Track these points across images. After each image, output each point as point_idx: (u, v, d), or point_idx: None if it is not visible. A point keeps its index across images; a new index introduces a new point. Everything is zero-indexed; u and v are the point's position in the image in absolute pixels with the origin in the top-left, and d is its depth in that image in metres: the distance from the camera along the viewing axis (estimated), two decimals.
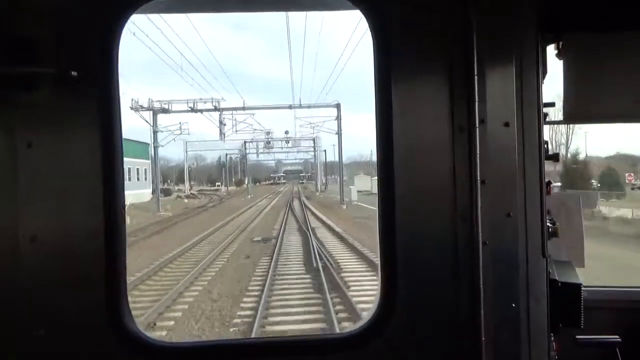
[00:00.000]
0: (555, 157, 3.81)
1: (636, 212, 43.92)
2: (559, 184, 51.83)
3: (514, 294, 3.28)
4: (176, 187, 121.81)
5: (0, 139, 3.09)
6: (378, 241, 3.33)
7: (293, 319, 18.34)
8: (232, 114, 74.97)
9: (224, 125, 75.17)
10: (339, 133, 75.94)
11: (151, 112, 69.00)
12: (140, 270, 25.35)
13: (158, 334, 16.56)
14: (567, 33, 3.70)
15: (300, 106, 73.71)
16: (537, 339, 3.33)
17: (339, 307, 19.07)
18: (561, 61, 3.81)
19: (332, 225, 42.14)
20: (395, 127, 3.23)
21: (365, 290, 20.71)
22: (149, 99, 68.91)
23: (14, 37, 3.06)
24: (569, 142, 70.16)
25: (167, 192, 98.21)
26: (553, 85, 3.79)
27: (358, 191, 79.17)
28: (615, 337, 4.46)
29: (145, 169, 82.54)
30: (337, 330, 15.80)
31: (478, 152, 3.21)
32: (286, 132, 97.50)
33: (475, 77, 3.20)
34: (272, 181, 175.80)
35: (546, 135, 3.60)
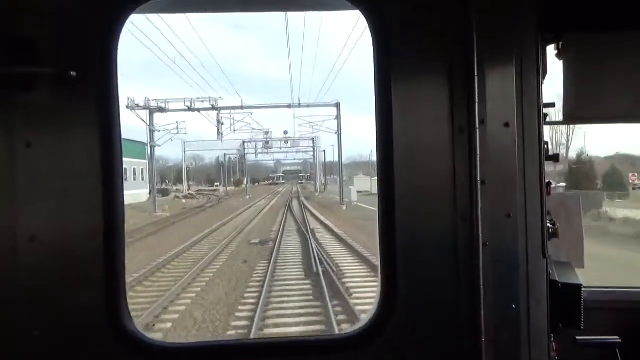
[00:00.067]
0: (555, 158, 3.78)
1: None
2: (564, 184, 51.26)
3: (514, 294, 3.28)
4: (175, 188, 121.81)
5: None
6: (378, 241, 3.32)
7: (291, 330, 17.34)
8: (230, 113, 74.40)
9: (222, 124, 74.46)
10: (338, 132, 75.05)
11: (147, 111, 68.19)
12: (131, 275, 24.08)
13: None
14: (567, 33, 3.68)
15: (300, 105, 72.74)
16: (537, 339, 3.33)
17: (341, 317, 18.07)
18: (561, 61, 3.78)
19: (332, 227, 41.34)
20: (395, 127, 3.23)
21: (369, 298, 19.47)
22: (146, 98, 68.22)
23: (14, 37, 3.06)
24: (570, 142, 70.25)
25: (164, 193, 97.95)
26: (553, 85, 3.78)
27: (357, 192, 78.92)
28: (615, 338, 4.48)
29: (142, 169, 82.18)
30: None
31: (478, 152, 3.20)
32: (285, 132, 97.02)
33: (476, 77, 3.20)
34: (271, 181, 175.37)
35: (546, 136, 3.58)
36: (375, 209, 3.36)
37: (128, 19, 3.23)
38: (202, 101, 68.50)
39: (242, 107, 73.70)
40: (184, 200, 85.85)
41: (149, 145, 71.79)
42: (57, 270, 3.11)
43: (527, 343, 3.29)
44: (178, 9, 5.08)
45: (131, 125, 70.96)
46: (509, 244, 3.26)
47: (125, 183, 3.39)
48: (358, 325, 3.44)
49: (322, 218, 49.07)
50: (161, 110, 68.82)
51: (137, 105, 66.50)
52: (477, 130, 3.19)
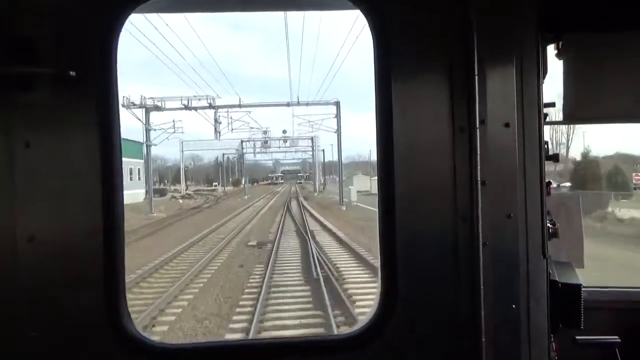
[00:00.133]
0: (555, 158, 3.79)
1: None
2: (568, 184, 50.43)
3: (514, 294, 3.29)
4: (172, 187, 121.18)
5: None
6: (378, 241, 3.33)
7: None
8: (227, 111, 73.33)
9: (219, 123, 73.30)
10: (338, 131, 74.03)
11: (143, 109, 67.03)
12: None
13: None
14: (567, 33, 3.69)
15: (299, 104, 71.74)
16: (537, 339, 3.34)
17: (344, 330, 16.57)
18: (561, 61, 3.79)
19: (332, 228, 40.41)
20: (395, 127, 3.24)
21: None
22: (142, 96, 66.99)
23: (14, 37, 3.06)
24: (570, 141, 70.17)
25: (161, 193, 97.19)
26: (553, 85, 3.78)
27: (357, 191, 77.99)
28: (615, 338, 4.50)
29: (139, 169, 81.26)
30: None
31: (478, 152, 3.22)
32: (284, 132, 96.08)
33: (476, 77, 3.21)
34: (269, 181, 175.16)
35: (546, 136, 3.58)
36: (376, 209, 3.36)
37: (127, 19, 3.23)
38: (200, 99, 67.63)
39: (239, 106, 72.70)
40: (180, 201, 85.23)
41: (145, 144, 70.70)
42: (57, 270, 3.12)
43: (527, 343, 3.32)
44: (177, 9, 5.00)
45: (127, 124, 69.85)
46: (509, 243, 3.29)
47: None
48: (358, 325, 3.45)
49: (322, 219, 48.27)
50: (157, 108, 67.86)
51: (133, 104, 65.32)
52: (477, 130, 3.21)
